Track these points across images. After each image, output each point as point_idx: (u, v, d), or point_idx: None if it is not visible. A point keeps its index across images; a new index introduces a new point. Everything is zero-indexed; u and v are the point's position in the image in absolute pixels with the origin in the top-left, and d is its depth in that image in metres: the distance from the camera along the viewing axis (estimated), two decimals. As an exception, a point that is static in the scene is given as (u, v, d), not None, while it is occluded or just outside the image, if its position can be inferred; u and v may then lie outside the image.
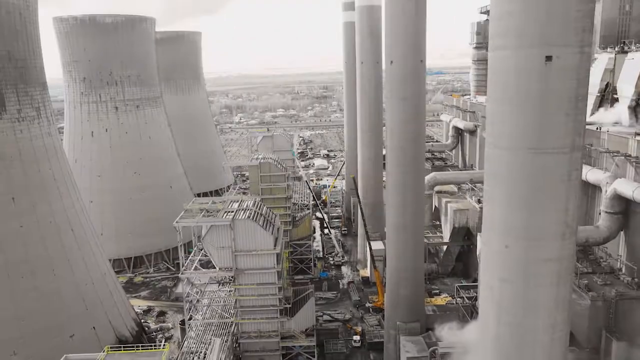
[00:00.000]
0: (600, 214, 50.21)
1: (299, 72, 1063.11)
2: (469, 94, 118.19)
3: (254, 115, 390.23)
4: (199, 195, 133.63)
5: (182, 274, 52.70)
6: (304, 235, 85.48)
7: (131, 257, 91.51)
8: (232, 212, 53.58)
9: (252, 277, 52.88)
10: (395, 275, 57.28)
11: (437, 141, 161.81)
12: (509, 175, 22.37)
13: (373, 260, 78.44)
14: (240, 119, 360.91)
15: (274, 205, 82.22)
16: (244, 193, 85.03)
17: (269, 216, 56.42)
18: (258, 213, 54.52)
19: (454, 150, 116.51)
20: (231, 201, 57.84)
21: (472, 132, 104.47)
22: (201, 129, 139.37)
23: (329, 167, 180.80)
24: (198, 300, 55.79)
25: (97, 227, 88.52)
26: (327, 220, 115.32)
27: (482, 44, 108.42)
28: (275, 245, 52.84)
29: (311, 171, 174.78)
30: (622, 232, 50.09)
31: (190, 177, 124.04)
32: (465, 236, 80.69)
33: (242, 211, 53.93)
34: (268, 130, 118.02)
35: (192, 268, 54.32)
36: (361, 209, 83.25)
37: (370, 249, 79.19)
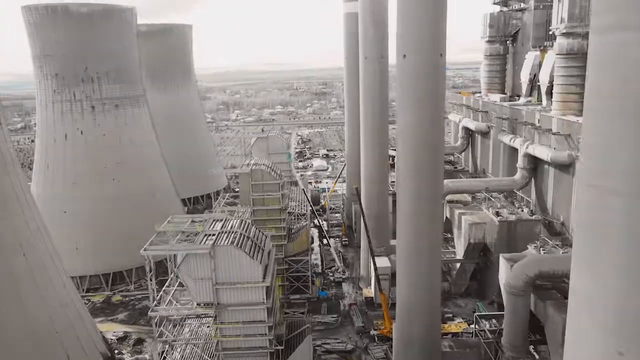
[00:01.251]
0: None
1: (298, 67, 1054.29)
2: (479, 92, 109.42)
3: (252, 112, 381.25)
4: (188, 200, 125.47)
5: (151, 311, 43.95)
6: (301, 250, 76.72)
7: (109, 274, 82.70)
8: (214, 235, 44.76)
9: (237, 315, 44.07)
10: (406, 309, 48.61)
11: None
12: (628, 237, 13.40)
13: (378, 281, 69.73)
14: (237, 116, 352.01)
15: (267, 218, 73.65)
16: (233, 203, 76.25)
17: (258, 239, 47.54)
18: (244, 236, 45.64)
19: (463, 153, 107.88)
20: (214, 220, 49.02)
21: (485, 134, 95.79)
22: (192, 129, 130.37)
23: (328, 168, 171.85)
24: (174, 341, 46.99)
25: (71, 240, 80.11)
26: (326, 230, 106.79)
27: (495, 38, 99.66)
28: (264, 276, 44.04)
29: (309, 173, 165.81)
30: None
31: (180, 181, 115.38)
32: (481, 252, 72.15)
33: (226, 235, 45.07)
34: (263, 130, 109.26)
35: (167, 301, 45.69)
36: (364, 220, 74.48)
37: (375, 267, 70.52)
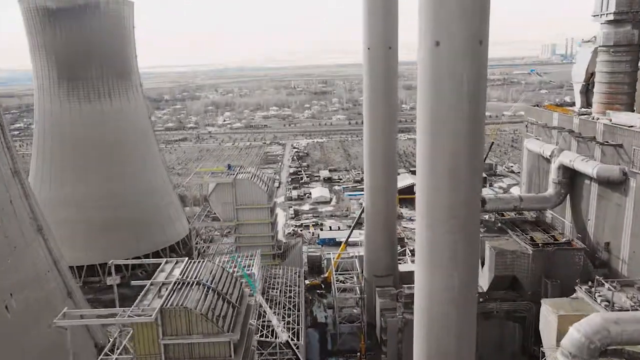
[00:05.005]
0: None
1: (298, 64, 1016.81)
2: (587, 108, 67.03)
3: (243, 114, 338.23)
4: (125, 267, 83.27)
5: None
6: None
7: None
8: None
9: None
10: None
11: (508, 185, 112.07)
12: None
13: None
14: (225, 120, 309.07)
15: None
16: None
17: None
18: None
19: (554, 208, 65.96)
20: None
21: (616, 185, 53.97)
22: (132, 156, 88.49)
23: (331, 199, 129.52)
24: None
25: None
26: (332, 333, 65.43)
27: (623, 16, 57.62)
28: None
29: (306, 207, 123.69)
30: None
31: (110, 237, 76.38)
32: None
33: None
34: (230, 168, 67.70)
35: None
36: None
37: None
